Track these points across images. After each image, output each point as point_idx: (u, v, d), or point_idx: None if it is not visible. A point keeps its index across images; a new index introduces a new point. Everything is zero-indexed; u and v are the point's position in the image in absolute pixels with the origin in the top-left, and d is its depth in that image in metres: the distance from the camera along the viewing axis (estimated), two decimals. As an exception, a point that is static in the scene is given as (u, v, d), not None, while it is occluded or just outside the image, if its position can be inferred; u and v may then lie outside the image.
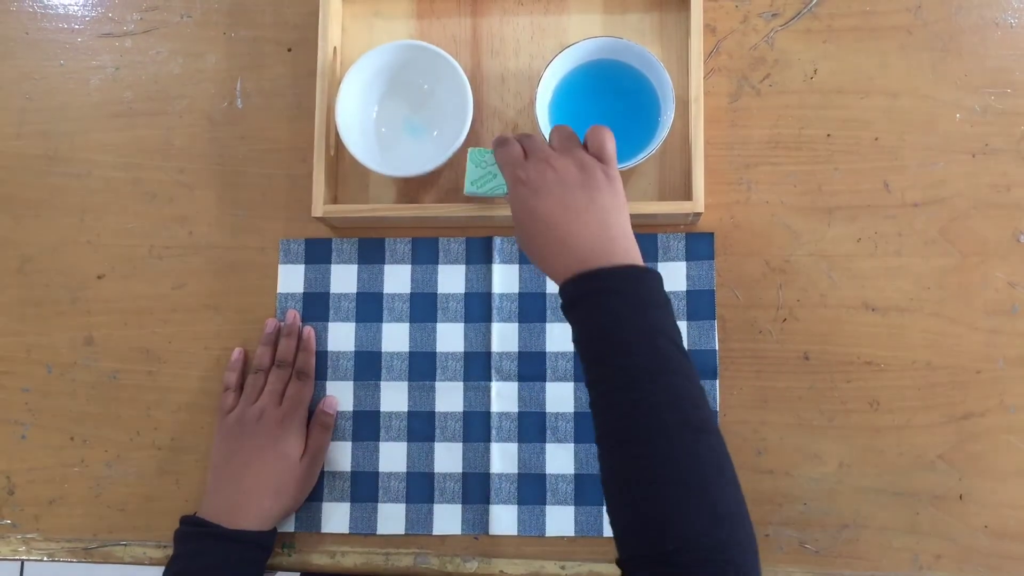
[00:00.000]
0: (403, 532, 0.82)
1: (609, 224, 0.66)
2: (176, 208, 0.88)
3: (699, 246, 0.82)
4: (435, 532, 0.82)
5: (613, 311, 0.63)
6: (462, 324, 0.84)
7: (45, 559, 0.86)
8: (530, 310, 0.83)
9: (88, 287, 0.88)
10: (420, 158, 0.82)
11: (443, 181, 0.86)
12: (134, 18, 0.91)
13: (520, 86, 0.86)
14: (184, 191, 0.89)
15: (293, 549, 0.83)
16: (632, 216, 0.79)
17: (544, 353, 0.83)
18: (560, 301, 0.66)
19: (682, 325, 0.81)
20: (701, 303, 0.82)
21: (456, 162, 0.83)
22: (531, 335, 0.83)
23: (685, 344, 0.80)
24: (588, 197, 0.67)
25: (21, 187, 0.90)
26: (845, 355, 0.81)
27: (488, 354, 0.83)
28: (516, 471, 0.82)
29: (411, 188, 0.86)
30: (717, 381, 0.81)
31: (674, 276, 0.82)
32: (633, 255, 0.66)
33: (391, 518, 0.82)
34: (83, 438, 0.86)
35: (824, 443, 0.80)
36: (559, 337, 0.83)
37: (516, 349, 0.83)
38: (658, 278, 0.65)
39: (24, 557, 0.86)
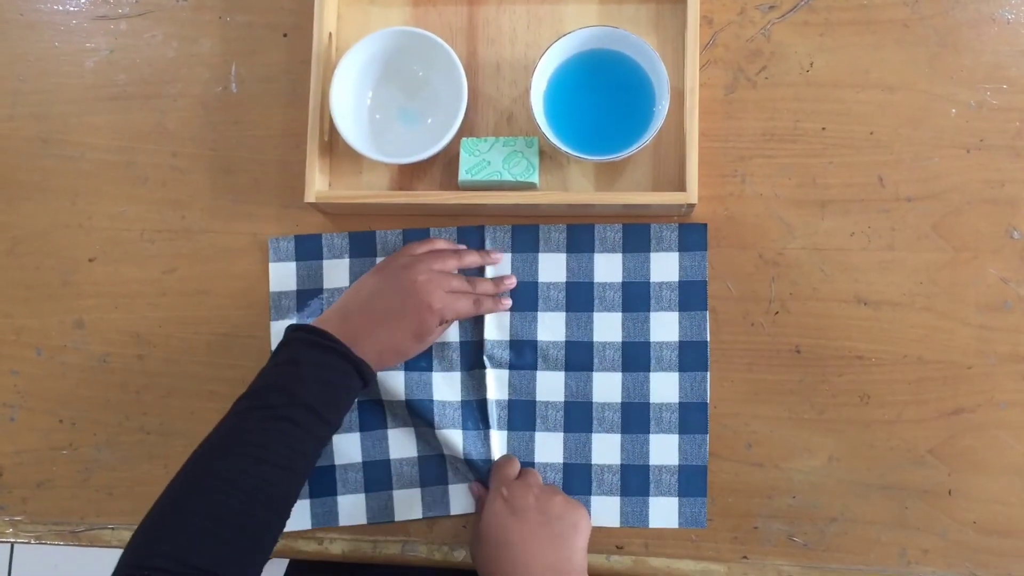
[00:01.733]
0: (421, 516, 0.82)
1: (571, 559, 0.73)
2: (168, 192, 0.88)
3: (692, 237, 0.82)
4: (452, 512, 0.82)
5: None
6: None
7: (32, 542, 0.86)
8: (522, 299, 0.83)
9: (79, 270, 0.88)
10: (414, 145, 0.82)
11: (436, 169, 0.85)
12: (129, 1, 0.91)
13: (516, 75, 0.85)
14: (177, 175, 0.88)
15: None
16: (626, 206, 0.80)
17: (536, 342, 0.82)
18: None
19: (673, 316, 0.81)
20: (693, 294, 0.81)
21: (450, 150, 0.83)
22: (523, 323, 0.83)
23: (676, 336, 0.81)
24: (558, 537, 0.74)
25: (13, 169, 0.90)
26: (837, 349, 0.81)
27: (481, 343, 0.83)
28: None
29: (404, 175, 0.86)
30: (708, 373, 0.81)
31: (666, 266, 0.82)
32: None
33: (407, 503, 0.82)
34: (72, 421, 0.86)
35: (814, 436, 0.80)
36: (550, 326, 0.82)
37: (508, 338, 0.83)
38: None
39: (11, 540, 0.86)
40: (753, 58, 0.84)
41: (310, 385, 0.71)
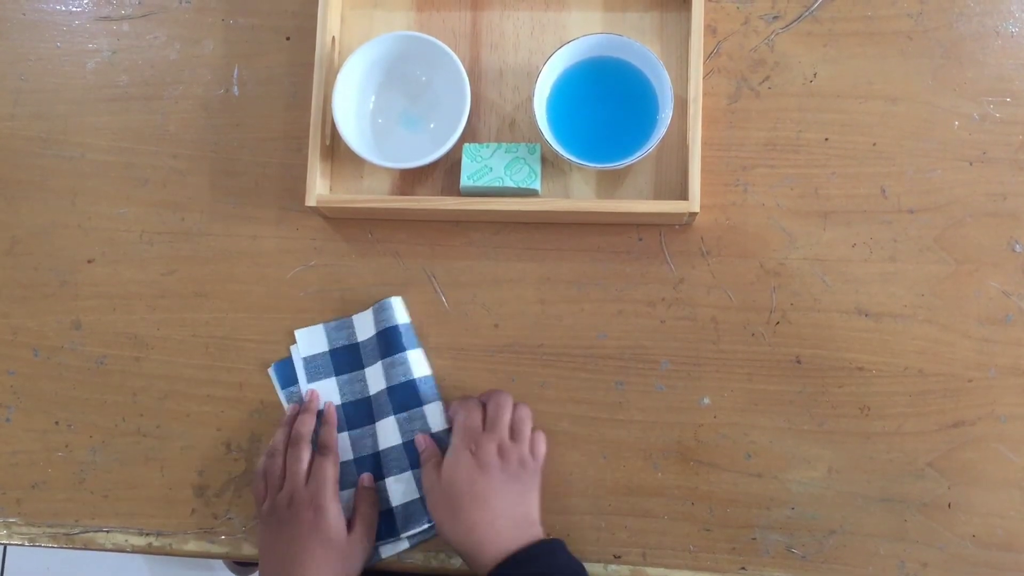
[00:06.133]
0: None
1: (531, 513, 0.76)
2: (168, 194, 0.88)
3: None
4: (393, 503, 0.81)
5: None
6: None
7: (26, 544, 0.85)
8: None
9: (77, 271, 0.87)
10: (416, 150, 0.82)
11: (438, 174, 0.85)
12: (132, 2, 0.91)
13: (518, 81, 0.85)
14: (177, 177, 0.88)
15: (276, 540, 0.82)
16: (628, 214, 0.80)
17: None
18: None
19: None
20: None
21: (452, 155, 0.83)
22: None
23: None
24: (521, 491, 0.76)
25: (13, 168, 0.89)
26: (837, 360, 0.80)
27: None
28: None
29: (406, 180, 0.85)
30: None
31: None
32: (541, 532, 0.76)
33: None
34: (68, 423, 0.86)
35: (814, 448, 0.80)
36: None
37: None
38: (564, 547, 0.76)
39: (5, 542, 0.85)
40: (756, 68, 0.84)
41: None
